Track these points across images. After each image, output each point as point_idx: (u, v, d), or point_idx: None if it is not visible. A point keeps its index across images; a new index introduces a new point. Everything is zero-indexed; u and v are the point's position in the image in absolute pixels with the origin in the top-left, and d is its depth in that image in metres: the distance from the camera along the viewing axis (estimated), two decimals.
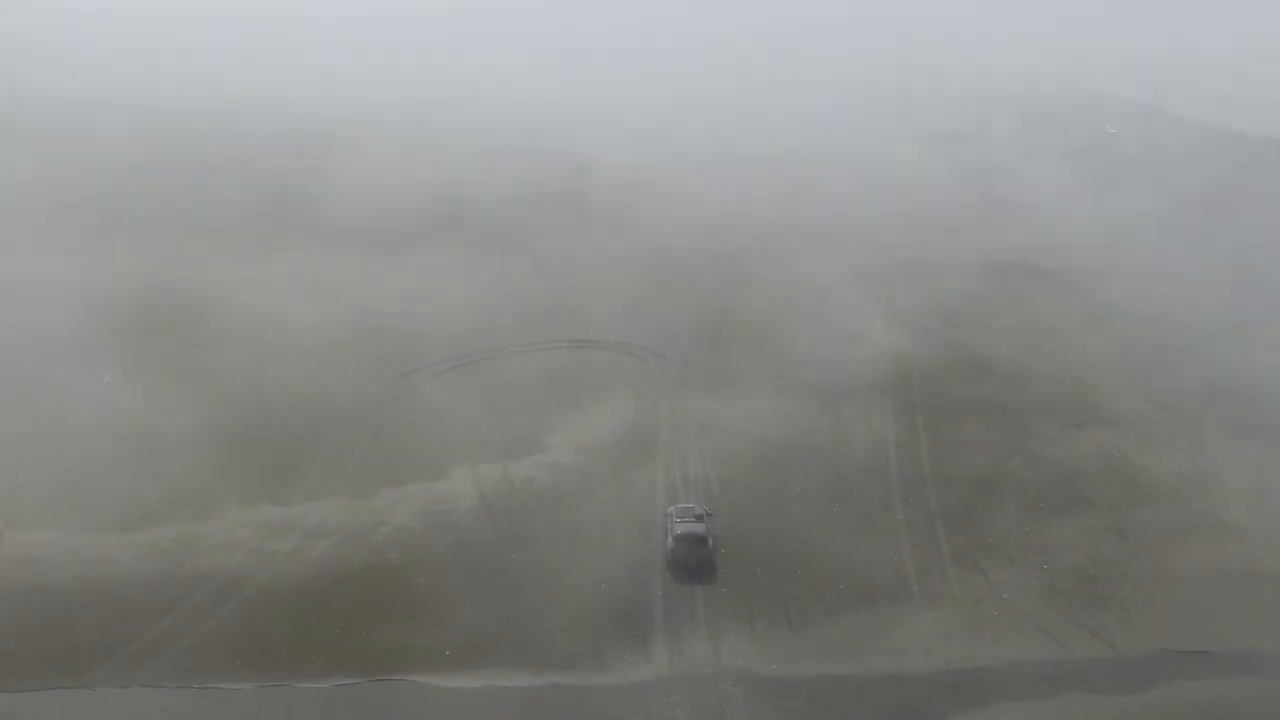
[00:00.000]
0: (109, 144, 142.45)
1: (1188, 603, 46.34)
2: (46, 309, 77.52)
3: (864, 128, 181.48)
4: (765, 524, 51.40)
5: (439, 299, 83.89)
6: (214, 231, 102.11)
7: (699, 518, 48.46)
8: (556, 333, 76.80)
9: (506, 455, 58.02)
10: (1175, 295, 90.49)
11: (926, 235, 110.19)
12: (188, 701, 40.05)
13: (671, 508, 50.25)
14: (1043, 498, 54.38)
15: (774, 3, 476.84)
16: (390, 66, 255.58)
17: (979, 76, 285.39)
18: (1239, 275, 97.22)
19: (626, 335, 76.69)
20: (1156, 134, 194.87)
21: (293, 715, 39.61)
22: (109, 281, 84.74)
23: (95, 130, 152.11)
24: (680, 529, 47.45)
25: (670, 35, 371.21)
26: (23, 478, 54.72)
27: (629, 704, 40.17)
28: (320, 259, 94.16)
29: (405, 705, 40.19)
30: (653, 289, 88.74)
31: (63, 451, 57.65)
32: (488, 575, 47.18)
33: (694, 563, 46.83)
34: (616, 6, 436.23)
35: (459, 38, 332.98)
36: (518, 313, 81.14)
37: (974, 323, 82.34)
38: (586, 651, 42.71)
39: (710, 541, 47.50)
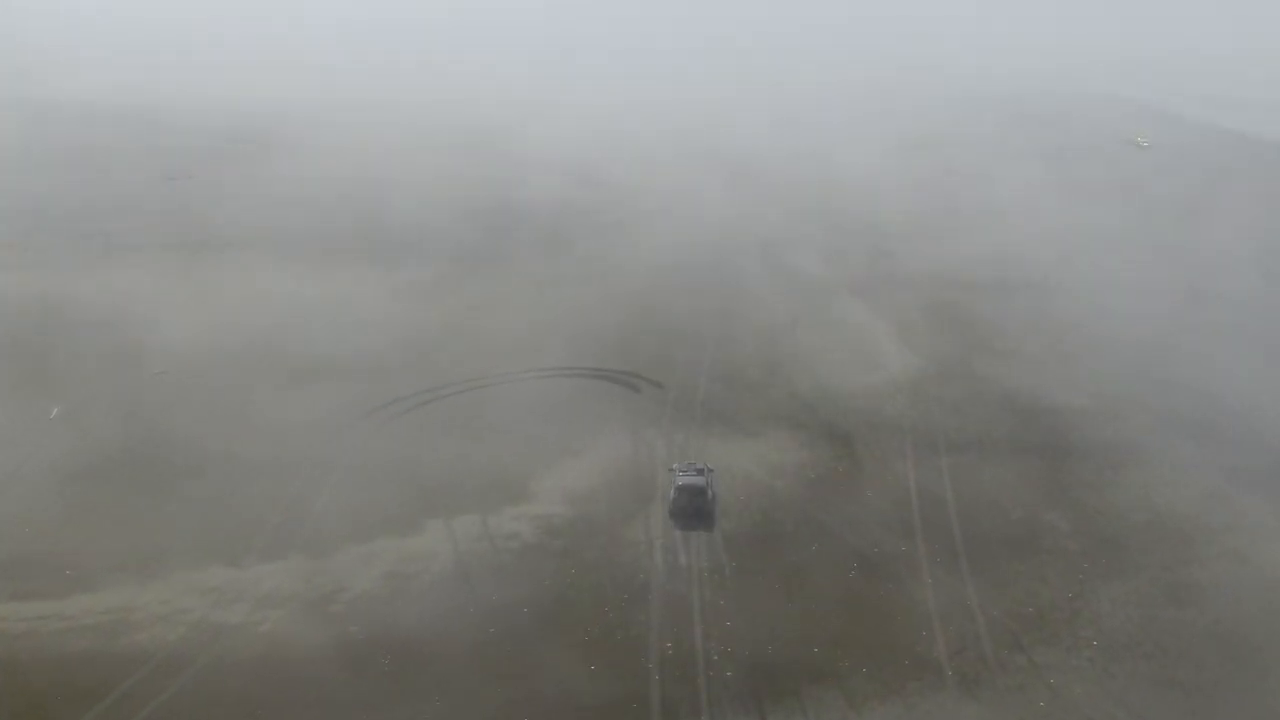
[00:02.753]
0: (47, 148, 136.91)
1: (1264, 687, 40.53)
2: None
3: (861, 131, 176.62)
4: (777, 590, 45.58)
5: (408, 322, 77.95)
6: (151, 246, 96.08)
7: (700, 472, 51.77)
8: (541, 360, 70.97)
9: (486, 505, 52.19)
10: (1208, 318, 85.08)
11: (934, 246, 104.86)
12: None
13: (675, 464, 53.84)
14: (1086, 557, 48.57)
15: (778, 3, 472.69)
16: (385, 67, 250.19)
17: (980, 78, 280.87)
18: (1260, 290, 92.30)
19: (619, 362, 70.99)
20: (1164, 137, 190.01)
21: None
22: (45, 302, 79.18)
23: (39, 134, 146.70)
24: (682, 480, 50.76)
25: (672, 35, 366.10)
26: None
27: None
28: (271, 275, 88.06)
29: None
30: (644, 307, 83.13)
31: None
32: (461, 656, 41.25)
33: (693, 510, 49.94)
34: (620, 6, 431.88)
35: (457, 38, 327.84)
36: (498, 337, 75.39)
37: (992, 348, 76.80)
38: None
39: (709, 493, 50.45)
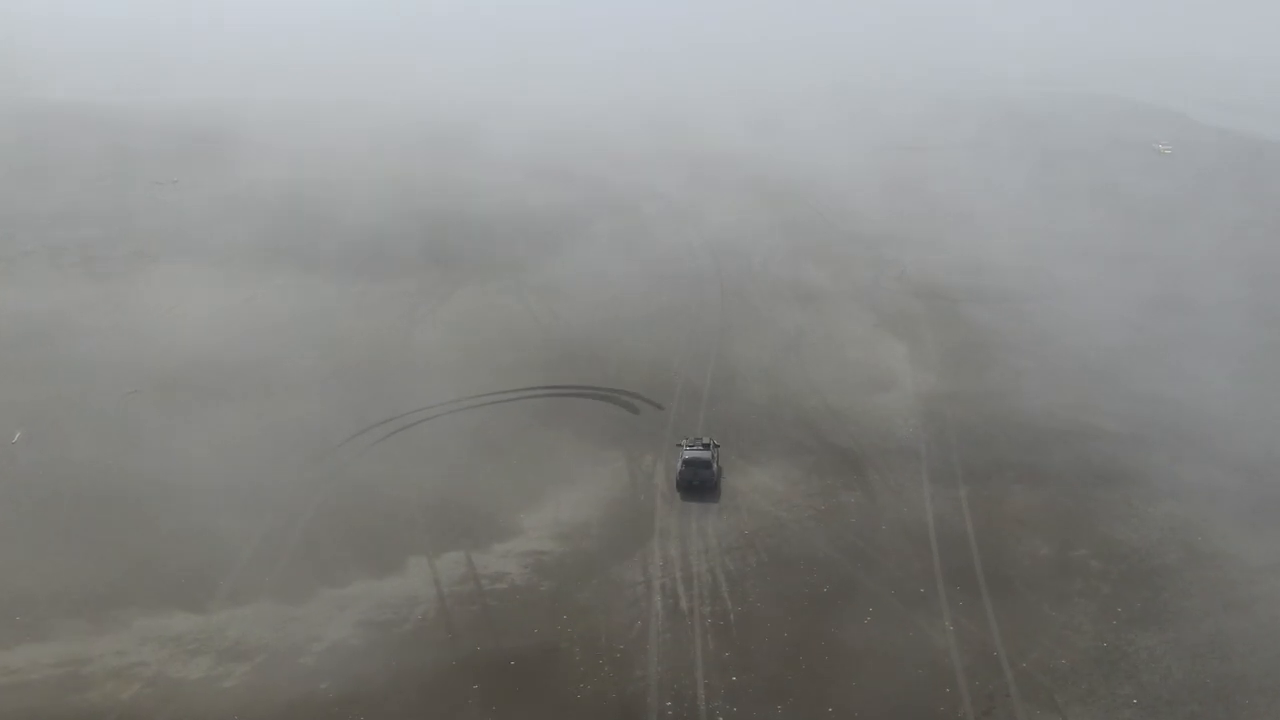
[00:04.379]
0: None
1: None
2: None
3: (862, 135, 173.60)
4: (787, 640, 41.87)
5: (387, 338, 74.20)
6: (124, 257, 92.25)
7: (705, 446, 55.02)
8: (531, 378, 67.28)
9: (473, 541, 48.54)
10: (1228, 331, 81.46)
11: (940, 255, 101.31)
12: None
13: (683, 439, 56.48)
14: (1120, 600, 44.89)
15: (776, 5, 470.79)
16: (364, 67, 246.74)
17: (997, 80, 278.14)
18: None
19: (615, 379, 67.43)
20: (1176, 142, 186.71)
21: None
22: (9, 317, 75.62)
23: None
24: (688, 454, 53.81)
25: (663, 36, 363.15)
26: None
27: None
28: (241, 288, 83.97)
29: None
30: (639, 318, 79.64)
31: None
32: (442, 717, 37.64)
33: (698, 483, 52.75)
34: (617, 7, 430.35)
35: (441, 39, 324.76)
36: (483, 353, 71.65)
37: (1006, 364, 73.11)
38: None
39: (714, 466, 53.44)
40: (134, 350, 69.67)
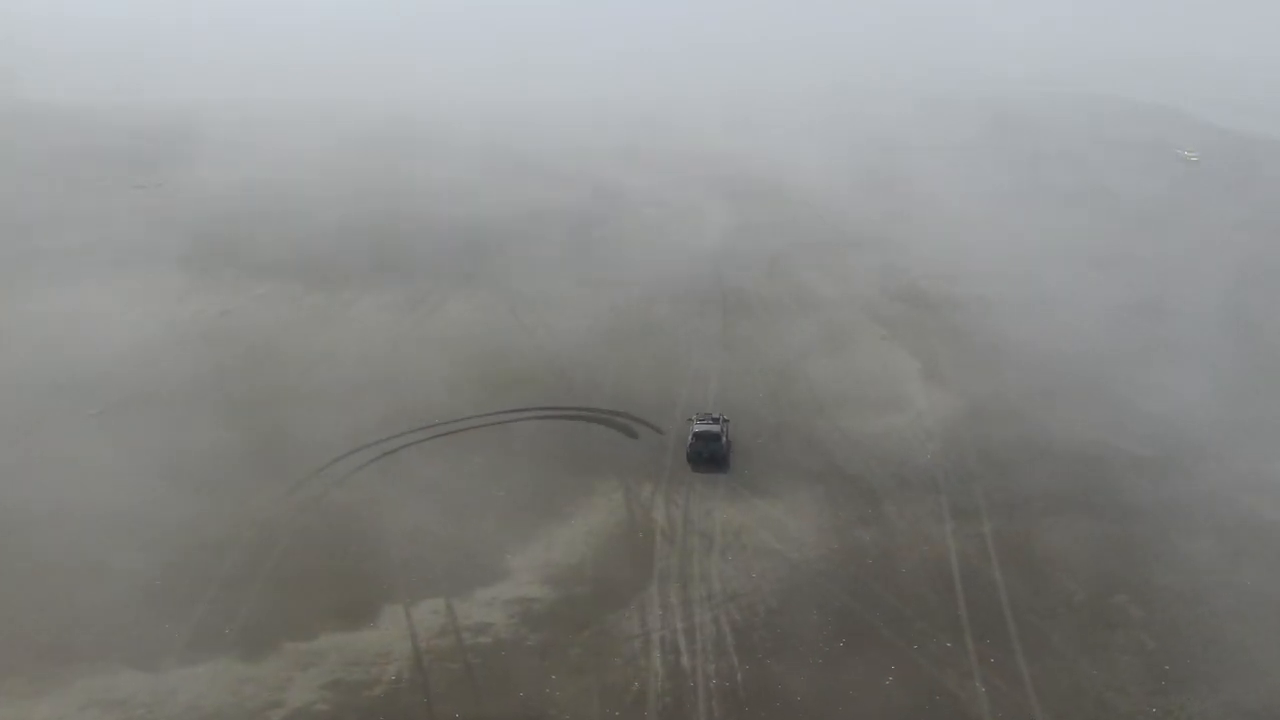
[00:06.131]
0: None
1: None
2: None
3: (865, 139, 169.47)
4: (799, 705, 37.67)
5: (365, 354, 69.83)
6: (103, 264, 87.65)
7: (715, 420, 56.53)
8: (521, 398, 63.13)
9: (454, 586, 44.34)
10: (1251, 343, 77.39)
11: (946, 263, 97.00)
12: None
13: (693, 414, 58.14)
14: (1167, 655, 40.72)
15: (808, 6, 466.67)
16: (364, 68, 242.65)
17: (997, 80, 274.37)
18: None
19: (612, 400, 63.24)
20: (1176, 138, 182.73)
21: None
22: None
23: None
24: (698, 428, 55.57)
25: (661, 36, 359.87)
26: None
27: None
28: (203, 298, 79.55)
29: None
30: (636, 330, 75.52)
31: None
32: None
33: (708, 455, 54.75)
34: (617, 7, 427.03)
35: (439, 40, 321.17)
36: (469, 370, 67.34)
37: (1026, 382, 68.76)
38: None
39: (723, 439, 55.23)
40: (100, 367, 65.32)
